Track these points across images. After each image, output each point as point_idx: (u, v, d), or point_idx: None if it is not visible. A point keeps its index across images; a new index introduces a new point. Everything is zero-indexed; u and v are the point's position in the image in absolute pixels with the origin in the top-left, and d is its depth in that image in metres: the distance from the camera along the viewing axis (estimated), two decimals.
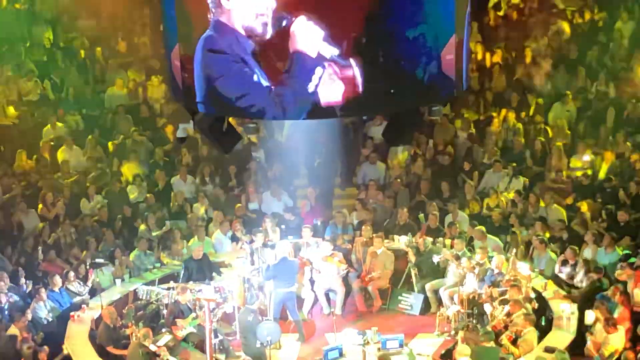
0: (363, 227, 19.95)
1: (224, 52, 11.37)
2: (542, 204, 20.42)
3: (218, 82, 11.50)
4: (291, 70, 11.15)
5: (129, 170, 23.05)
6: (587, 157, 21.77)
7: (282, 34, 11.08)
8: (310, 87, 11.17)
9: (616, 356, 14.64)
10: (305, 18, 11.00)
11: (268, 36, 11.16)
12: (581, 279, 17.35)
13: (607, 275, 17.23)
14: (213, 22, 11.37)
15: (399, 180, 22.39)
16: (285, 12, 11.01)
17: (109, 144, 24.28)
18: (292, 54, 11.11)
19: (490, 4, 27.17)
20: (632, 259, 17.56)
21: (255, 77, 11.25)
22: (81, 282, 18.44)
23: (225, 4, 11.23)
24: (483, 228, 19.53)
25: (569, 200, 20.87)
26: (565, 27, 25.88)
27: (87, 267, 18.77)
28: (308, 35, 11.04)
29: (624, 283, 16.74)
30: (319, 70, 11.12)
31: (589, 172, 21.39)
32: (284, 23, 11.04)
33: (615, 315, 15.62)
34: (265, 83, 11.22)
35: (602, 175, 21.13)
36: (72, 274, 18.36)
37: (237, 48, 11.25)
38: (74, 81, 26.24)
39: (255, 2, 11.11)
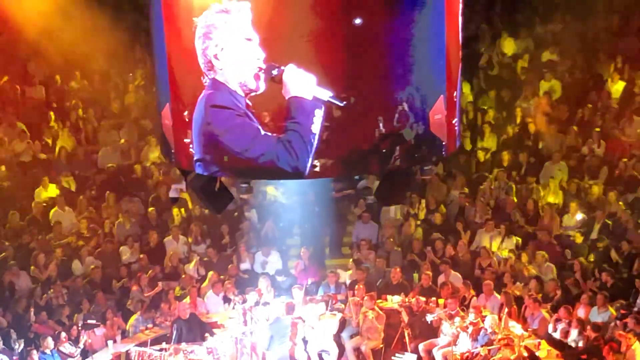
0: (356, 286, 19.91)
1: (228, 107, 11.47)
2: (534, 263, 20.41)
3: (224, 136, 11.52)
4: (292, 117, 11.25)
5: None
6: (579, 216, 21.81)
7: (274, 85, 11.22)
8: (315, 129, 11.29)
9: None
10: (295, 65, 11.14)
11: (262, 90, 11.32)
12: (575, 339, 17.30)
13: (600, 335, 17.18)
14: (210, 81, 11.49)
15: (391, 239, 22.38)
16: (273, 62, 11.15)
17: (102, 205, 24.27)
18: (289, 100, 11.22)
19: (482, 62, 27.38)
20: (626, 320, 17.56)
21: (261, 129, 11.33)
22: (72, 344, 18.33)
23: (217, 64, 11.36)
24: (491, 282, 19.53)
25: (562, 260, 20.87)
26: (556, 86, 26.07)
27: (79, 328, 18.67)
28: (301, 81, 11.16)
29: (618, 342, 16.72)
30: (318, 112, 11.23)
31: (582, 231, 21.40)
32: (274, 73, 11.19)
33: None
34: (271, 133, 11.35)
35: (594, 234, 21.14)
36: (63, 335, 18.26)
37: (238, 104, 11.39)
38: (66, 142, 26.26)
39: (245, 57, 11.25)
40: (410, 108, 11.58)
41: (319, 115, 11.25)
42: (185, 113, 11.86)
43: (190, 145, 11.88)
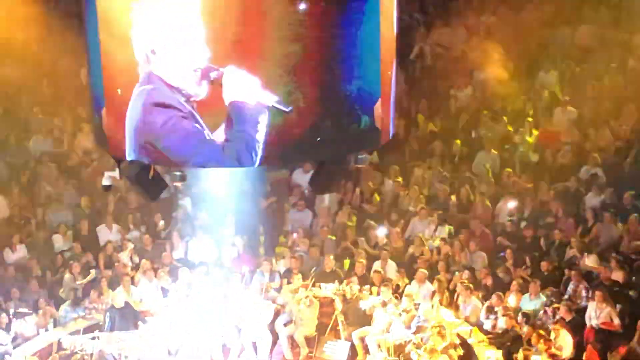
0: (290, 275, 19.96)
1: (171, 106, 11.00)
2: (467, 251, 20.60)
3: (164, 140, 11.12)
4: (234, 123, 10.81)
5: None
6: (511, 204, 22.02)
7: (213, 88, 10.77)
8: (259, 136, 10.88)
9: None
10: (235, 67, 10.69)
11: (202, 95, 10.90)
12: (506, 326, 17.49)
13: (531, 322, 17.40)
14: (147, 75, 11.06)
15: (325, 228, 22.44)
16: (212, 64, 10.71)
17: (34, 192, 24.05)
18: (230, 106, 10.81)
19: (413, 55, 27.51)
20: (555, 305, 17.80)
21: (207, 135, 10.92)
22: (4, 332, 18.16)
23: (152, 58, 10.93)
24: (425, 271, 19.69)
25: (494, 248, 21.07)
26: (489, 76, 26.28)
27: (10, 316, 18.50)
28: (242, 85, 10.72)
29: (547, 330, 16.96)
30: (263, 118, 10.82)
31: (513, 219, 21.62)
32: (212, 76, 10.75)
33: None
34: (217, 140, 10.94)
35: (525, 223, 21.35)
36: None
37: (183, 102, 10.93)
38: None
39: (185, 56, 10.79)
40: (355, 100, 11.53)
41: (263, 121, 10.85)
42: (119, 104, 11.49)
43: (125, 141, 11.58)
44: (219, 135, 10.99)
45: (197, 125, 10.96)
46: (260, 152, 11.03)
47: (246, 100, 10.79)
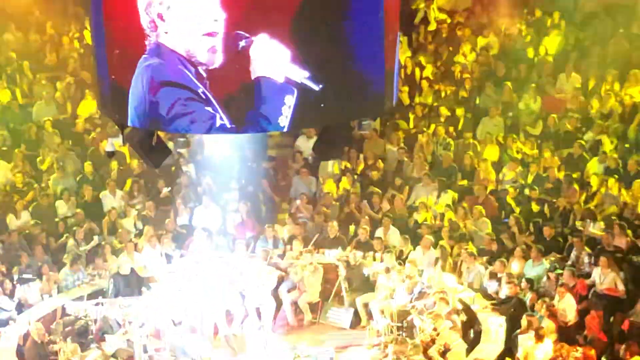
0: (294, 241, 19.97)
1: (181, 85, 10.36)
2: (471, 217, 20.59)
3: (173, 123, 10.57)
4: (256, 105, 10.14)
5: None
6: (515, 171, 22.00)
7: (239, 59, 9.97)
8: (282, 121, 10.23)
9: None
10: (268, 37, 9.92)
11: (216, 64, 10.15)
12: (509, 292, 17.49)
13: (534, 288, 17.41)
14: (154, 46, 10.44)
15: (329, 194, 22.42)
16: (241, 31, 9.87)
17: (37, 158, 24.05)
18: (255, 82, 10.09)
19: (417, 20, 27.40)
20: (558, 270, 17.82)
21: (218, 120, 10.30)
22: (8, 297, 18.20)
23: (162, 26, 10.22)
24: (431, 237, 19.72)
25: (497, 214, 21.07)
26: (494, 43, 26.21)
27: (14, 282, 18.54)
28: (273, 58, 9.95)
29: (551, 296, 16.99)
30: (289, 99, 10.19)
31: (517, 186, 21.60)
32: (241, 45, 9.96)
33: (544, 327, 15.79)
34: (229, 125, 10.28)
35: (529, 189, 21.34)
36: None
37: (193, 79, 10.22)
38: (0, 95, 25.93)
39: (198, 17, 9.99)
40: (359, 65, 11.20)
41: (289, 103, 10.20)
42: (123, 72, 11.03)
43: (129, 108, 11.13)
44: (236, 118, 10.33)
45: (208, 108, 10.38)
46: (287, 124, 10.44)
47: (274, 77, 10.08)
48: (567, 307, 16.79)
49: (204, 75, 10.26)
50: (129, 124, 11.53)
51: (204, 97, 10.33)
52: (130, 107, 11.14)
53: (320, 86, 10.39)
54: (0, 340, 16.83)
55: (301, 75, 10.13)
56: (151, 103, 10.70)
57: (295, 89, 10.28)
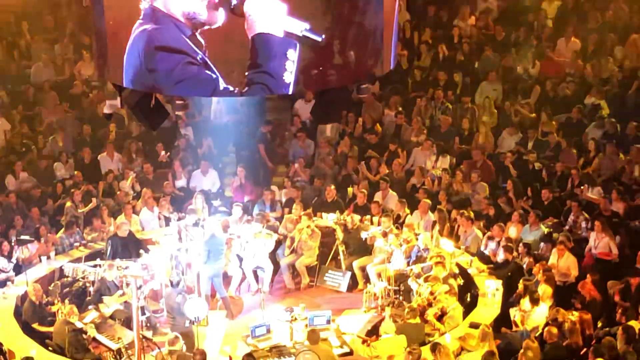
0: (298, 204, 19.97)
1: (178, 50, 10.11)
2: (468, 181, 20.60)
3: (173, 90, 10.41)
4: (258, 64, 9.82)
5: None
6: (513, 135, 21.99)
7: (233, 17, 9.73)
8: (287, 77, 9.94)
9: (539, 331, 14.84)
10: None
11: (218, 23, 9.87)
12: (505, 256, 17.52)
13: (531, 252, 17.44)
14: (149, 10, 10.20)
15: (327, 158, 22.42)
16: None
17: (35, 120, 24.03)
18: (253, 39, 9.79)
19: None
20: (555, 235, 17.84)
21: (221, 83, 10.02)
22: (6, 259, 18.22)
23: None
24: (428, 201, 19.73)
25: (495, 178, 21.08)
26: (493, 6, 26.11)
27: (12, 243, 18.56)
28: (269, 13, 9.69)
29: (547, 261, 17.03)
30: (291, 53, 9.92)
31: (515, 150, 21.59)
32: (233, 2, 9.75)
33: (540, 292, 15.84)
34: (232, 87, 10.05)
35: (527, 154, 21.32)
36: None
37: (190, 44, 9.97)
38: None
39: None
40: (367, 27, 11.08)
41: (292, 57, 9.92)
42: (120, 33, 10.82)
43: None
44: (238, 79, 10.07)
45: (208, 72, 10.11)
46: (292, 80, 10.16)
47: (273, 32, 9.81)
48: (570, 264, 16.86)
49: (202, 41, 10.09)
50: (128, 86, 11.45)
51: (202, 61, 10.15)
52: (128, 71, 11.01)
53: (323, 37, 10.18)
54: None
55: (301, 27, 9.90)
56: (147, 71, 10.51)
57: (297, 43, 10.05)
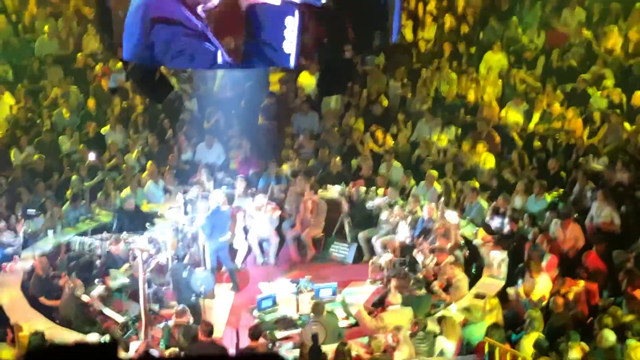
0: (301, 176, 19.96)
1: (176, 21, 9.99)
2: (473, 152, 20.58)
3: (172, 63, 10.29)
4: (256, 34, 9.65)
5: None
6: (518, 106, 21.95)
7: None
8: (287, 47, 9.69)
9: (544, 302, 14.88)
10: None
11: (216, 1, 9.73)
12: (511, 227, 17.53)
13: (536, 222, 17.45)
14: None
15: (332, 130, 22.40)
16: None
17: (40, 94, 24.02)
18: (250, 9, 9.63)
19: None
20: (561, 204, 17.85)
21: (219, 56, 9.91)
22: (13, 233, 18.26)
23: None
24: (435, 172, 19.71)
25: (500, 149, 21.06)
26: None
27: (18, 217, 18.58)
28: None
29: (553, 232, 17.05)
30: (290, 21, 9.64)
31: (520, 121, 21.57)
32: None
33: (544, 262, 15.87)
34: (231, 60, 9.92)
35: (532, 124, 21.32)
36: (2, 224, 18.17)
37: (189, 16, 9.82)
38: (2, 30, 25.82)
39: None
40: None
41: (291, 26, 9.66)
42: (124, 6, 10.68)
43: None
44: (237, 51, 9.93)
45: (208, 44, 9.99)
46: (293, 51, 9.94)
47: (268, 0, 9.66)
48: (577, 233, 16.89)
49: (202, 14, 10.05)
50: (130, 59, 11.43)
51: (202, 33, 10.07)
52: (127, 43, 10.92)
53: (323, 1, 10.04)
54: (5, 274, 16.97)
55: None
56: (146, 40, 10.42)
57: (296, 9, 9.91)
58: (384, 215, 18.58)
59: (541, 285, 15.29)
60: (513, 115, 21.84)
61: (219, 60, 10.04)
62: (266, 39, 9.86)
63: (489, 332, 13.52)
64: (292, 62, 10.17)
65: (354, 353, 13.43)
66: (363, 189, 19.57)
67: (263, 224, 18.83)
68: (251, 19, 9.76)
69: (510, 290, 15.73)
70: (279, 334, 15.29)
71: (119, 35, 11.46)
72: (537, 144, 20.66)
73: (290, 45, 9.94)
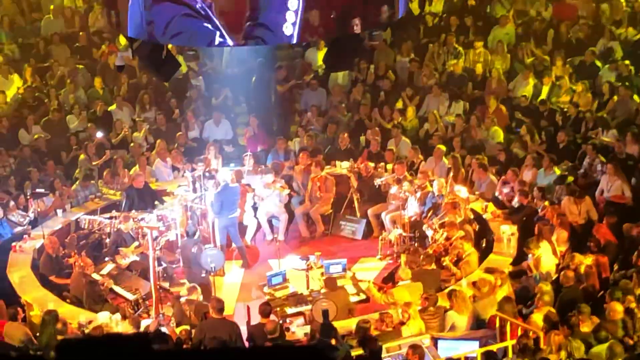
0: (305, 153, 19.91)
1: (175, 0, 10.06)
2: (482, 127, 20.53)
3: (173, 41, 10.42)
4: (254, 15, 9.70)
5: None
6: (527, 79, 21.87)
7: None
8: (288, 29, 9.75)
9: (554, 276, 14.87)
10: None
11: None
12: (520, 200, 17.50)
13: (546, 196, 17.41)
14: None
15: (340, 105, 22.34)
16: None
17: (47, 73, 23.99)
18: None
19: None
20: (570, 178, 17.82)
21: (218, 37, 9.94)
22: (22, 212, 18.28)
23: None
24: (443, 147, 19.68)
25: (509, 123, 21.01)
26: None
27: (28, 197, 18.60)
28: None
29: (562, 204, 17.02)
30: (292, 2, 9.74)
31: (529, 94, 21.51)
32: None
33: (554, 237, 15.85)
34: (230, 42, 10.02)
35: (541, 98, 21.24)
36: (12, 203, 18.18)
37: None
38: (8, 9, 25.77)
39: None
40: None
41: (293, 7, 9.74)
42: None
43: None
44: (236, 31, 9.94)
45: (207, 25, 9.99)
46: (296, 27, 9.95)
47: None
48: (588, 206, 16.90)
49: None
50: (134, 37, 11.42)
51: (202, 12, 10.03)
52: (131, 22, 11.00)
53: None
54: (16, 254, 16.99)
55: None
56: (147, 19, 10.50)
57: None
58: (393, 191, 18.53)
59: (551, 259, 15.28)
60: (521, 89, 21.77)
61: (216, 41, 10.04)
62: (265, 20, 9.86)
63: (501, 306, 13.52)
64: (294, 39, 10.19)
65: None
66: (372, 164, 19.51)
67: (272, 201, 18.80)
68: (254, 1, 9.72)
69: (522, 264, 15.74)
70: (290, 310, 15.30)
71: (124, 13, 11.44)
72: (546, 117, 20.58)
73: (289, 27, 9.97)
